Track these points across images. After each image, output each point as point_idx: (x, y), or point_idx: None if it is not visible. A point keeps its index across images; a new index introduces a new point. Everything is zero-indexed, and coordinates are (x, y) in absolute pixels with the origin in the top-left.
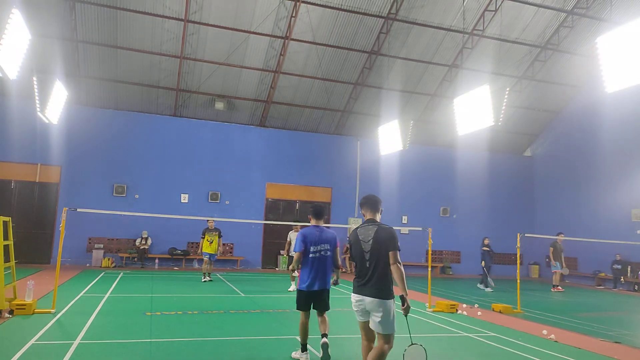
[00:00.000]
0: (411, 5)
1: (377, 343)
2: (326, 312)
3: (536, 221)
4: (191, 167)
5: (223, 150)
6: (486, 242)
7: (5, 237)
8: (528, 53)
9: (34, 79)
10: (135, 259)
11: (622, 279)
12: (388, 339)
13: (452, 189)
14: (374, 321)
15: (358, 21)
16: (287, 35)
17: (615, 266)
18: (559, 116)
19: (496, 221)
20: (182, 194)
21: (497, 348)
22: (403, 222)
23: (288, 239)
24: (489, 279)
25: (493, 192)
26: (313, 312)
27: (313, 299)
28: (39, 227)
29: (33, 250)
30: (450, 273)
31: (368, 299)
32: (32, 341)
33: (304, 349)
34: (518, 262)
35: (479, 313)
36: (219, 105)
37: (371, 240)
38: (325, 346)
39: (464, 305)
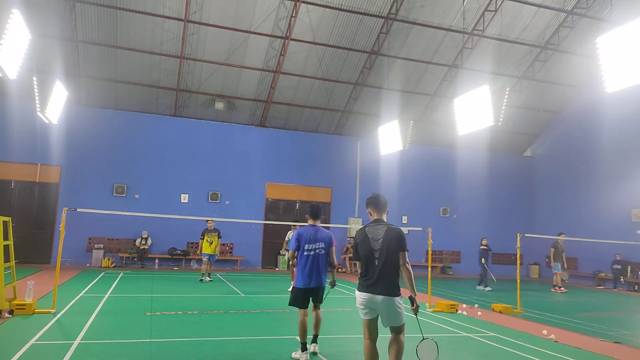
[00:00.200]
0: (411, 5)
1: (392, 337)
2: (320, 308)
3: (536, 221)
4: (191, 167)
5: (223, 150)
6: (484, 242)
7: (5, 237)
8: (528, 53)
9: (34, 79)
10: (135, 259)
11: (622, 279)
12: (402, 329)
13: (452, 189)
14: (388, 317)
15: (358, 21)
16: (287, 35)
17: (615, 266)
18: (559, 116)
19: (496, 221)
20: (182, 194)
21: (497, 348)
22: (403, 222)
23: (286, 239)
24: (488, 275)
25: (493, 192)
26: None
27: (310, 295)
28: (39, 227)
29: (33, 250)
30: (450, 273)
31: (379, 297)
32: (32, 341)
33: (303, 348)
34: (518, 262)
35: (479, 313)
36: (219, 105)
37: (381, 239)
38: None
39: (464, 305)
